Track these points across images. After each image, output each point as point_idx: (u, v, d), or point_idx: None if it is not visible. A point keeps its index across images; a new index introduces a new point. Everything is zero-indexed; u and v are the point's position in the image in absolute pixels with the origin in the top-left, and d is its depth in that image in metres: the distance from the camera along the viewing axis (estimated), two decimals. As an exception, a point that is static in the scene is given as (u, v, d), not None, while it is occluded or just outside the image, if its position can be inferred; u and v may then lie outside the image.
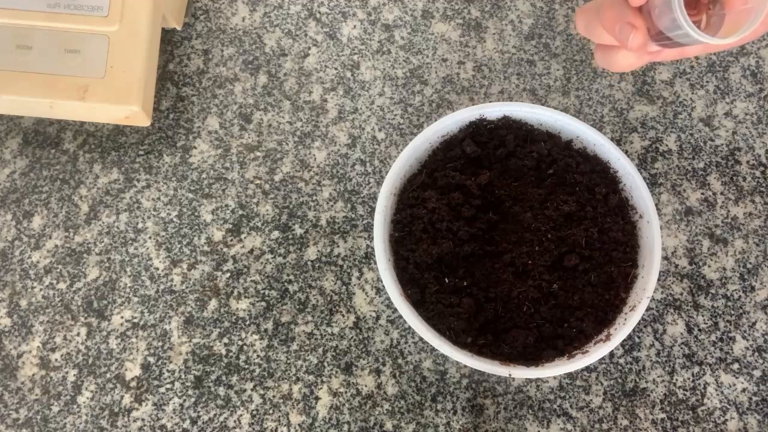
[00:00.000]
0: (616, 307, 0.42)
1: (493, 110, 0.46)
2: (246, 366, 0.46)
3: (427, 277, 0.42)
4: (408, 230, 0.44)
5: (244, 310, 0.47)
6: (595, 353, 0.40)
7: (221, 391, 0.45)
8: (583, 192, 0.45)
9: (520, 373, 0.40)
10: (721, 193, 0.49)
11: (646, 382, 0.45)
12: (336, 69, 0.53)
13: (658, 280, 0.46)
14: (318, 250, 0.48)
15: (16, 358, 0.46)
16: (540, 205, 0.44)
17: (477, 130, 0.46)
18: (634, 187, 0.44)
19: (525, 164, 0.45)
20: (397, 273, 0.43)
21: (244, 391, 0.45)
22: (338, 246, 0.48)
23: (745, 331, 0.46)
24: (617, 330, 0.41)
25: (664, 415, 0.45)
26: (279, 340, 0.46)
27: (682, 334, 0.46)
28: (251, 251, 0.48)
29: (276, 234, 0.49)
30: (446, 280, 0.43)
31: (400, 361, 0.46)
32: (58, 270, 0.48)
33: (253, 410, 0.45)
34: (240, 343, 0.46)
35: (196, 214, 0.49)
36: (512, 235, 0.44)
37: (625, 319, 0.41)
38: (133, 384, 0.45)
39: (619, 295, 0.42)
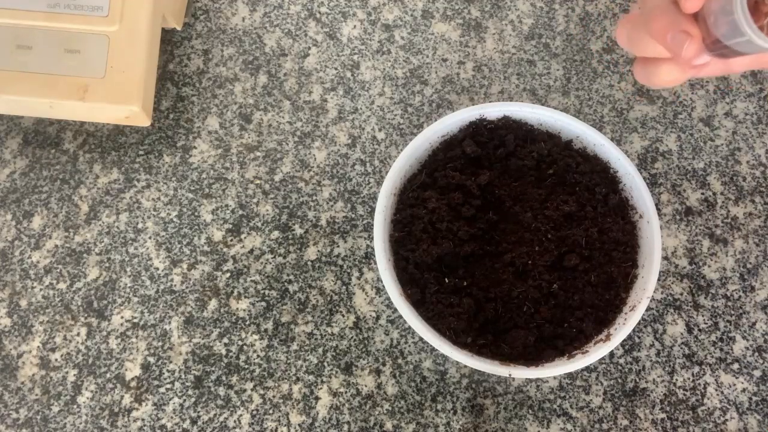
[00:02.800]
0: (616, 307, 0.42)
1: (493, 110, 0.46)
2: (246, 366, 0.46)
3: (427, 277, 0.42)
4: (408, 230, 0.44)
5: (244, 310, 0.47)
6: (595, 353, 0.40)
7: (221, 391, 0.45)
8: (583, 192, 0.45)
9: (520, 373, 0.40)
10: (721, 193, 0.49)
11: (646, 382, 0.45)
12: (336, 69, 0.53)
13: (658, 280, 0.46)
14: (318, 250, 0.48)
15: (16, 358, 0.46)
16: (540, 205, 0.44)
17: (477, 130, 0.46)
18: (634, 187, 0.44)
19: (525, 164, 0.45)
20: (397, 273, 0.43)
21: (244, 391, 0.45)
22: (338, 246, 0.48)
23: (745, 331, 0.46)
24: (617, 330, 0.41)
25: (664, 415, 0.45)
26: (279, 340, 0.46)
27: (682, 334, 0.46)
28: (251, 251, 0.48)
29: (276, 234, 0.49)
30: (446, 280, 0.43)
31: (400, 361, 0.46)
32: (58, 270, 0.48)
33: (253, 410, 0.45)
34: (240, 343, 0.46)
35: (196, 214, 0.49)
36: (512, 235, 0.44)
37: (625, 319, 0.41)
38: (133, 384, 0.45)
39: (619, 295, 0.42)
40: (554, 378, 0.45)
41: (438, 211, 0.44)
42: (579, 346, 0.41)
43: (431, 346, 0.45)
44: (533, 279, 0.42)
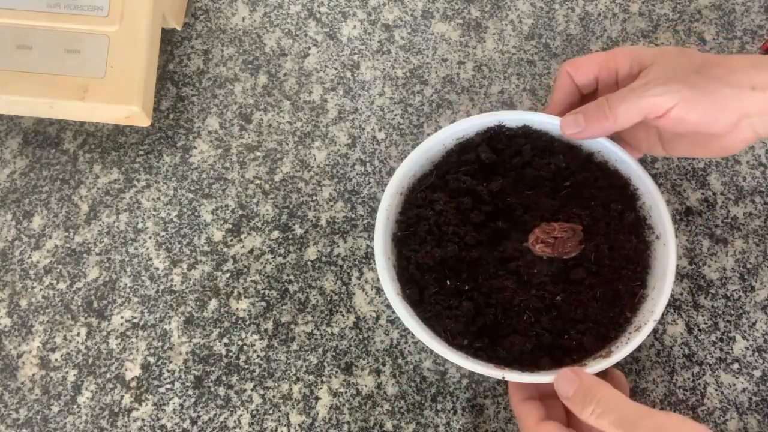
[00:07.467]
0: (620, 326, 0.41)
1: (514, 118, 0.45)
2: (246, 366, 0.46)
3: (428, 279, 0.42)
4: (413, 230, 0.43)
5: (244, 310, 0.47)
6: (593, 367, 0.39)
7: (221, 391, 0.45)
8: (597, 207, 0.44)
9: (513, 376, 0.39)
10: (721, 193, 0.49)
11: (646, 382, 0.45)
12: (336, 69, 0.53)
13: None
14: (318, 250, 0.48)
15: (16, 358, 0.46)
16: (552, 215, 0.43)
17: (495, 136, 0.45)
18: (653, 206, 0.43)
19: (541, 174, 0.44)
20: (398, 272, 0.42)
21: (244, 391, 0.45)
22: (338, 246, 0.48)
23: (745, 331, 0.46)
24: (619, 348, 0.40)
25: (664, 415, 0.45)
26: (279, 340, 0.46)
27: (682, 334, 0.46)
28: (251, 251, 0.48)
29: (276, 234, 0.49)
30: (447, 282, 0.42)
31: (400, 361, 0.46)
32: (58, 270, 0.48)
33: (253, 410, 0.45)
34: (240, 343, 0.46)
35: (196, 214, 0.49)
36: (519, 243, 0.43)
37: (628, 339, 0.40)
38: (133, 384, 0.45)
39: (624, 314, 0.42)
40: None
41: (445, 214, 0.43)
42: (578, 359, 0.40)
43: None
44: (537, 289, 0.42)
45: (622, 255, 0.43)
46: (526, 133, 0.45)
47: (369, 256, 0.48)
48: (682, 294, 0.47)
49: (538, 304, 0.41)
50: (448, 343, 0.40)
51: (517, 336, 0.41)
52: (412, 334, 0.46)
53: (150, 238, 0.49)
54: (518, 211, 0.44)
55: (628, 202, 0.44)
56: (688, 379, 0.45)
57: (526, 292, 0.42)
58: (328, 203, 0.49)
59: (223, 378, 0.45)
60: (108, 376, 0.46)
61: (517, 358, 0.40)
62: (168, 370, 0.46)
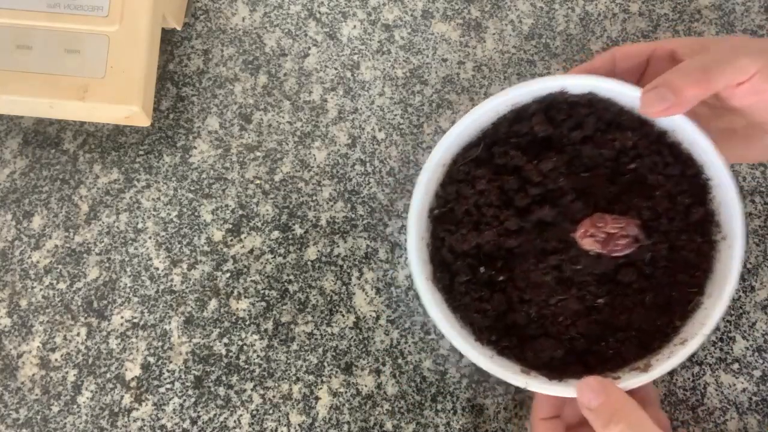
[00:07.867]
0: (666, 336, 0.37)
1: (579, 83, 0.39)
2: (246, 366, 0.46)
3: (460, 265, 0.39)
4: (450, 207, 0.39)
5: (244, 310, 0.47)
6: (627, 381, 0.35)
7: (221, 391, 0.45)
8: (663, 199, 0.38)
9: (537, 386, 0.36)
10: (721, 193, 0.49)
11: (646, 382, 0.45)
12: (336, 69, 0.53)
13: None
14: (318, 250, 0.48)
15: (16, 358, 0.46)
16: (607, 204, 0.38)
17: (554, 104, 0.39)
18: (724, 203, 0.37)
19: (602, 153, 0.39)
20: (431, 253, 0.39)
21: (244, 391, 0.45)
22: (338, 246, 0.48)
23: (745, 331, 0.46)
24: (659, 362, 0.36)
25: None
26: (279, 340, 0.46)
27: (682, 334, 0.46)
28: (251, 251, 0.48)
29: (276, 234, 0.49)
30: (481, 270, 0.39)
31: (400, 361, 0.46)
32: (58, 270, 0.48)
33: (253, 410, 0.45)
34: (240, 343, 0.46)
35: (196, 214, 0.49)
36: (565, 234, 0.38)
37: (671, 352, 0.36)
38: (133, 384, 0.45)
39: (673, 323, 0.37)
40: (554, 378, 0.45)
41: (487, 194, 0.39)
42: (611, 369, 0.37)
43: (431, 345, 0.45)
44: (578, 288, 0.38)
45: (682, 257, 0.38)
46: (592, 101, 0.39)
47: (369, 256, 0.48)
48: (682, 294, 0.47)
49: (577, 306, 0.38)
50: (475, 337, 0.37)
51: (548, 339, 0.38)
52: (413, 334, 0.46)
53: (150, 238, 0.49)
54: (569, 196, 0.39)
55: (699, 194, 0.38)
56: (688, 379, 0.45)
57: (565, 290, 0.38)
58: (328, 203, 0.49)
59: (223, 378, 0.45)
60: (108, 376, 0.46)
61: (546, 363, 0.37)
62: (168, 370, 0.46)
